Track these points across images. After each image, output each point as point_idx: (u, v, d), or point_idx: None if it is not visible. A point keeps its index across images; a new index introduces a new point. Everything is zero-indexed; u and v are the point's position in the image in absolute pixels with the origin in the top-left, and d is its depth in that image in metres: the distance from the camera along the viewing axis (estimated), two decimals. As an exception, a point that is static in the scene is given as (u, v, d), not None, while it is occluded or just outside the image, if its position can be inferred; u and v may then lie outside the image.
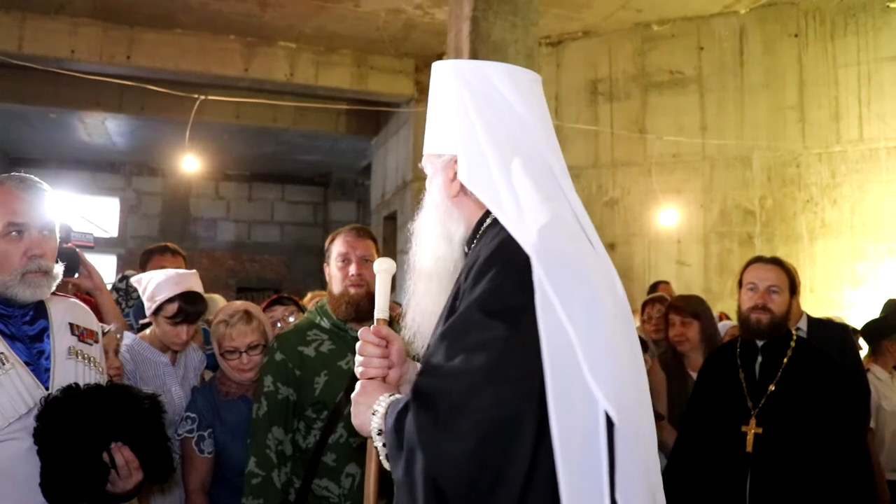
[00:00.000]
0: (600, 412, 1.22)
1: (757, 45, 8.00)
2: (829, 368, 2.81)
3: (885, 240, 7.47)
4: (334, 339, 2.53)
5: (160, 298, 2.66)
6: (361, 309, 2.47)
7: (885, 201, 7.47)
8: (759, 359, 2.88)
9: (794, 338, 2.91)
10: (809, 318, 3.70)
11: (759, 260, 3.02)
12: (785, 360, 2.83)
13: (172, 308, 2.67)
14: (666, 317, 3.89)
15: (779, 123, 7.89)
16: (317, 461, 2.42)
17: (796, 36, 7.88)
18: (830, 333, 3.66)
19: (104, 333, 2.36)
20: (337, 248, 2.56)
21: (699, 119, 8.14)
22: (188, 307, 2.69)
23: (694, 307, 3.73)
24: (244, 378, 2.65)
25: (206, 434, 2.60)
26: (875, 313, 5.90)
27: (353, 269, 2.52)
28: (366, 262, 2.52)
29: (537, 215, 1.33)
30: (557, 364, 1.21)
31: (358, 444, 2.39)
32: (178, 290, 2.68)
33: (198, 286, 2.79)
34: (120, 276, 3.85)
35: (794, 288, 2.94)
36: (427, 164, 1.60)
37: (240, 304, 2.82)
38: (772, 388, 2.79)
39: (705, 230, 8.07)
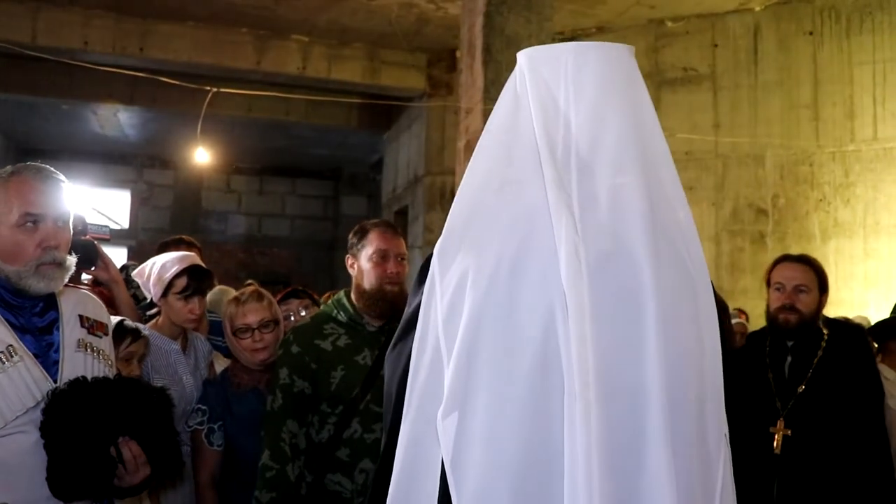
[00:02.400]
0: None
1: (771, 43, 7.95)
2: (860, 370, 2.76)
3: (898, 239, 7.42)
4: (350, 334, 2.53)
5: (169, 275, 2.70)
6: (397, 308, 2.41)
7: (899, 201, 7.42)
8: (789, 359, 2.82)
9: (825, 338, 2.85)
10: (825, 318, 3.67)
11: (786, 259, 2.96)
12: (815, 360, 2.78)
13: (182, 282, 2.70)
14: None
15: (792, 122, 7.84)
16: (330, 456, 2.42)
17: (811, 34, 7.83)
18: (846, 334, 3.63)
19: (138, 339, 2.37)
20: (373, 243, 2.51)
21: (712, 117, 8.10)
22: (198, 278, 2.74)
23: (719, 303, 3.68)
24: (256, 359, 2.64)
25: (216, 427, 2.60)
26: (887, 314, 5.88)
27: (391, 266, 2.49)
28: (401, 261, 2.51)
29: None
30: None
31: (372, 440, 2.39)
32: (184, 265, 2.74)
33: (201, 264, 2.87)
34: (120, 266, 3.86)
35: (823, 286, 2.87)
36: None
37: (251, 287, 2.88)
38: (801, 389, 2.74)
39: (717, 228, 8.03)
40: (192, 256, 2.85)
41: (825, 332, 2.91)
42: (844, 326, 3.76)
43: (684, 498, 1.17)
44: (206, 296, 2.82)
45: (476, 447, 1.23)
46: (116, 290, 2.84)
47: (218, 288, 3.96)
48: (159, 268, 2.73)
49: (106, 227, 2.91)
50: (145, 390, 1.91)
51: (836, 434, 2.64)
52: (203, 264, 2.87)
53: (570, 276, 1.21)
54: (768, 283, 2.92)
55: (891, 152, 7.46)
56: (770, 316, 2.88)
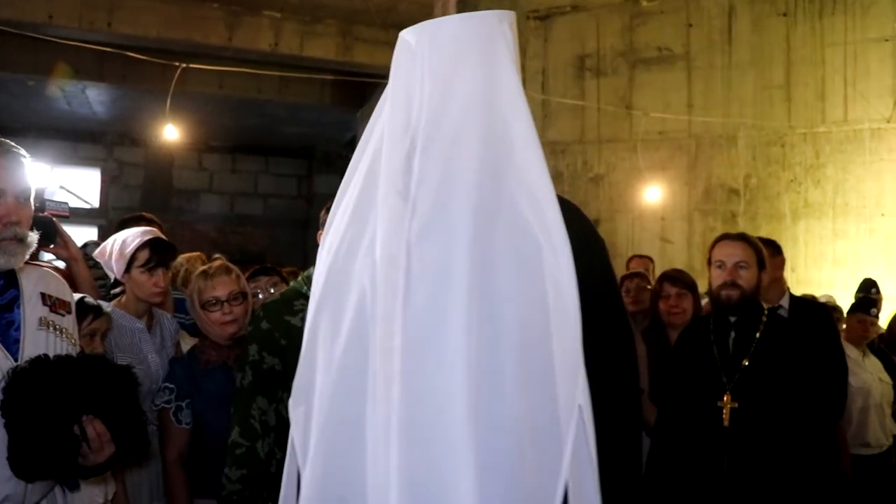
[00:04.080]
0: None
1: (745, 24, 7.97)
2: (800, 342, 2.84)
3: (865, 220, 7.52)
4: (321, 310, 2.51)
5: (130, 249, 2.68)
6: None
7: (867, 182, 7.51)
8: (732, 334, 2.90)
9: (766, 312, 2.94)
10: (792, 297, 3.73)
11: (725, 237, 3.04)
12: (757, 334, 2.85)
13: (145, 255, 2.69)
14: (655, 289, 3.85)
15: (765, 102, 7.89)
16: (299, 433, 2.41)
17: (785, 15, 7.86)
18: (812, 312, 3.68)
19: (100, 316, 2.33)
20: None
21: (686, 96, 8.13)
22: (160, 250, 2.73)
23: (688, 279, 3.73)
24: (226, 332, 2.62)
25: (184, 405, 2.58)
26: (852, 293, 5.98)
27: None
28: None
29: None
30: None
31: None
32: (146, 238, 2.73)
33: (162, 237, 2.86)
34: (82, 244, 3.81)
35: (762, 263, 2.96)
36: None
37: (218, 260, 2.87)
38: (745, 362, 2.82)
39: (689, 208, 8.09)
40: (153, 230, 2.83)
41: (765, 306, 3.00)
42: (809, 305, 3.83)
43: (502, 474, 1.15)
44: (169, 269, 2.80)
45: (313, 431, 1.30)
46: (76, 267, 2.80)
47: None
48: (120, 243, 2.71)
49: (65, 203, 2.86)
50: (109, 368, 1.88)
51: (779, 405, 2.73)
52: (165, 238, 2.85)
53: (385, 256, 1.23)
54: (710, 262, 3.00)
55: (860, 134, 7.54)
56: (713, 293, 2.96)
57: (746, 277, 2.88)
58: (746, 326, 2.89)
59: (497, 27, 1.35)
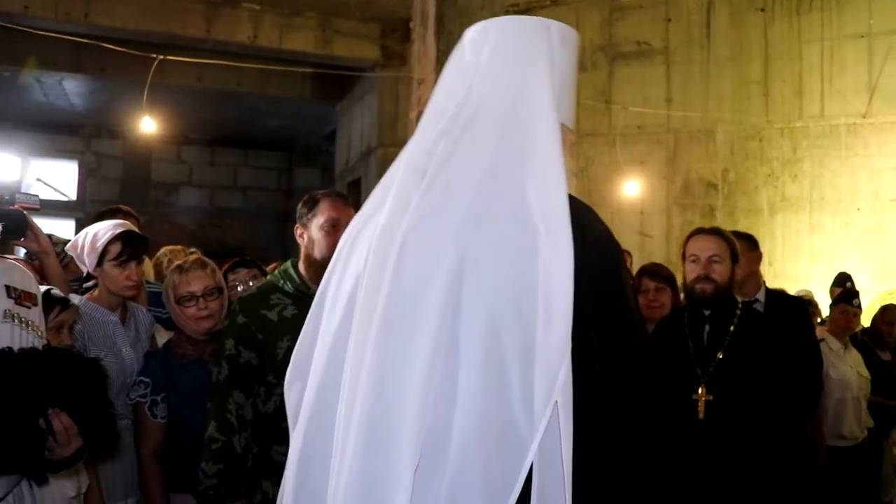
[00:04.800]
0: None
1: (724, 19, 8.03)
2: (774, 335, 2.88)
3: (841, 214, 7.61)
4: (298, 304, 2.50)
5: (102, 243, 2.64)
6: None
7: (843, 177, 7.60)
8: (707, 328, 2.93)
9: (740, 306, 2.97)
10: (768, 290, 3.76)
11: (699, 232, 3.07)
12: (731, 328, 2.88)
13: (116, 248, 2.65)
14: (634, 284, 3.86)
15: (743, 97, 7.95)
16: (277, 427, 2.40)
17: (763, 10, 7.92)
18: (787, 306, 3.72)
19: (67, 308, 2.30)
20: (325, 212, 2.48)
21: (665, 91, 8.17)
22: (132, 243, 2.69)
23: (667, 273, 3.75)
24: (201, 327, 2.61)
25: (159, 399, 2.56)
26: (828, 286, 6.06)
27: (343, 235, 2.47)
28: None
29: None
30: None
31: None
32: (118, 231, 2.69)
33: (134, 230, 2.82)
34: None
35: (735, 256, 2.99)
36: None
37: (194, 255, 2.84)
38: (719, 355, 2.85)
39: (668, 202, 8.14)
40: (125, 223, 2.80)
41: (740, 300, 3.04)
42: (785, 298, 3.88)
43: (450, 446, 1.15)
44: (142, 262, 2.77)
45: (306, 396, 1.38)
46: (47, 260, 2.76)
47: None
48: (92, 237, 2.68)
49: (36, 196, 2.82)
50: (76, 360, 1.84)
51: (754, 398, 2.77)
52: (138, 231, 2.82)
53: (385, 225, 1.28)
54: (684, 257, 3.02)
55: (836, 129, 7.62)
56: (687, 287, 2.99)
57: (720, 271, 2.91)
58: (720, 320, 2.92)
59: (544, 34, 1.43)
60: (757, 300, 3.65)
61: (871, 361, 4.79)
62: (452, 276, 1.19)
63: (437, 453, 1.14)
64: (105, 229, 2.70)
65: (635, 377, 1.28)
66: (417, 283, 1.20)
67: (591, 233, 1.25)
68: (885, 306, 5.35)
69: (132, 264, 2.67)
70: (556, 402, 1.12)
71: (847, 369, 4.49)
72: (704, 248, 2.94)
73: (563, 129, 1.37)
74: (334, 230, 2.45)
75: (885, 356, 5.16)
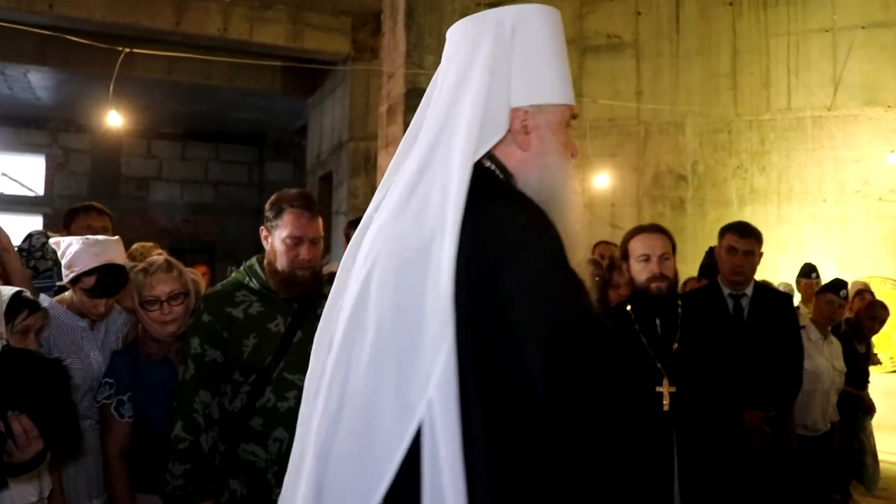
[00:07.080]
0: None
1: (693, 12, 8.09)
2: (720, 320, 2.91)
3: (807, 205, 7.72)
4: (263, 301, 2.49)
5: (78, 269, 2.54)
6: (307, 289, 2.46)
7: (809, 169, 7.71)
8: (658, 322, 2.96)
9: (679, 298, 3.03)
10: (756, 284, 3.76)
11: (644, 230, 3.07)
12: (678, 319, 2.93)
13: (90, 281, 2.55)
14: (605, 278, 3.89)
15: (712, 90, 8.03)
16: (244, 425, 2.40)
17: (731, 4, 7.99)
18: (773, 300, 3.76)
19: (35, 312, 2.24)
20: (287, 226, 2.45)
21: (635, 84, 8.22)
22: (107, 280, 2.57)
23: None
24: (166, 331, 2.58)
25: (125, 398, 2.53)
26: (794, 276, 6.14)
27: (304, 252, 2.45)
28: (314, 245, 2.47)
29: None
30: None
31: (286, 409, 2.38)
32: (96, 263, 2.56)
33: (120, 256, 2.67)
34: (26, 234, 3.64)
35: (674, 251, 3.03)
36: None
37: (160, 256, 2.74)
38: (675, 346, 2.89)
39: (639, 194, 8.20)
40: (110, 249, 2.63)
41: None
42: (771, 293, 3.93)
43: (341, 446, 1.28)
44: (115, 295, 2.65)
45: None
46: (7, 258, 2.69)
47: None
48: (71, 255, 2.57)
49: None
50: (36, 361, 1.82)
51: (712, 383, 2.83)
52: (122, 260, 2.69)
53: (364, 220, 1.45)
54: (626, 255, 3.02)
55: (802, 122, 7.73)
56: (641, 286, 2.98)
57: (670, 267, 2.96)
58: (669, 312, 2.96)
59: (489, 29, 1.42)
60: (745, 294, 3.67)
61: (847, 353, 4.81)
62: (364, 277, 1.34)
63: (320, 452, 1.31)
64: (84, 254, 2.57)
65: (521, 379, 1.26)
66: (350, 283, 1.41)
67: (485, 221, 1.25)
68: (872, 302, 5.42)
69: (104, 299, 2.59)
70: (429, 399, 1.18)
71: (822, 361, 4.49)
72: (654, 245, 2.96)
73: (546, 108, 1.46)
74: (296, 246, 2.45)
75: (861, 349, 5.23)
